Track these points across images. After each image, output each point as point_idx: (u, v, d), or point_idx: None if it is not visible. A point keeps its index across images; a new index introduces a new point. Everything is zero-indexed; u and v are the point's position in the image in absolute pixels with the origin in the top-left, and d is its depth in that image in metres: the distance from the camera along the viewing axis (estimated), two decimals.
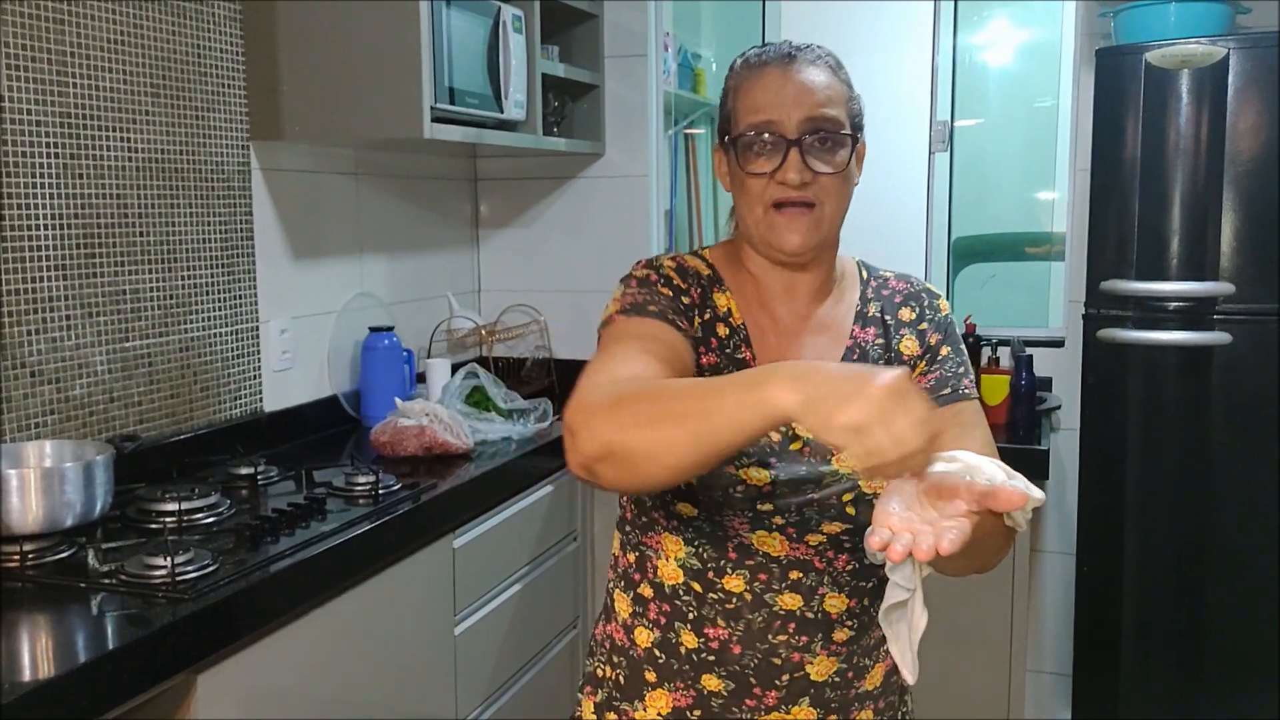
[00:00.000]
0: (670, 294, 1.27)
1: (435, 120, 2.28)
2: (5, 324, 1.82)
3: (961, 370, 1.31)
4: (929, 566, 1.09)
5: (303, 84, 2.29)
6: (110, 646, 1.36)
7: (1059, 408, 2.88)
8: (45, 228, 1.88)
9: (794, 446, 1.25)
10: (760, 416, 0.95)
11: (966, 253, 3.90)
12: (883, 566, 1.19)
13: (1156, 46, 2.30)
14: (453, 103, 2.35)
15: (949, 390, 1.29)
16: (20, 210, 1.84)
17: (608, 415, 1.04)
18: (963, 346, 1.35)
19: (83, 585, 1.55)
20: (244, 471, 2.08)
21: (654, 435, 1.01)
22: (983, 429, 1.29)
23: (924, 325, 1.33)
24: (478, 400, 2.63)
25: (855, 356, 1.31)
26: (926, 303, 1.35)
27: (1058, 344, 2.92)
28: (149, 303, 2.10)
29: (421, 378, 2.81)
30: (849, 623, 1.27)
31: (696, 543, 1.27)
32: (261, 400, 2.40)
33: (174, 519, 1.80)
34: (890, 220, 3.73)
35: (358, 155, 2.70)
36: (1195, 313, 2.33)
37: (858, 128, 1.29)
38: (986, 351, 2.89)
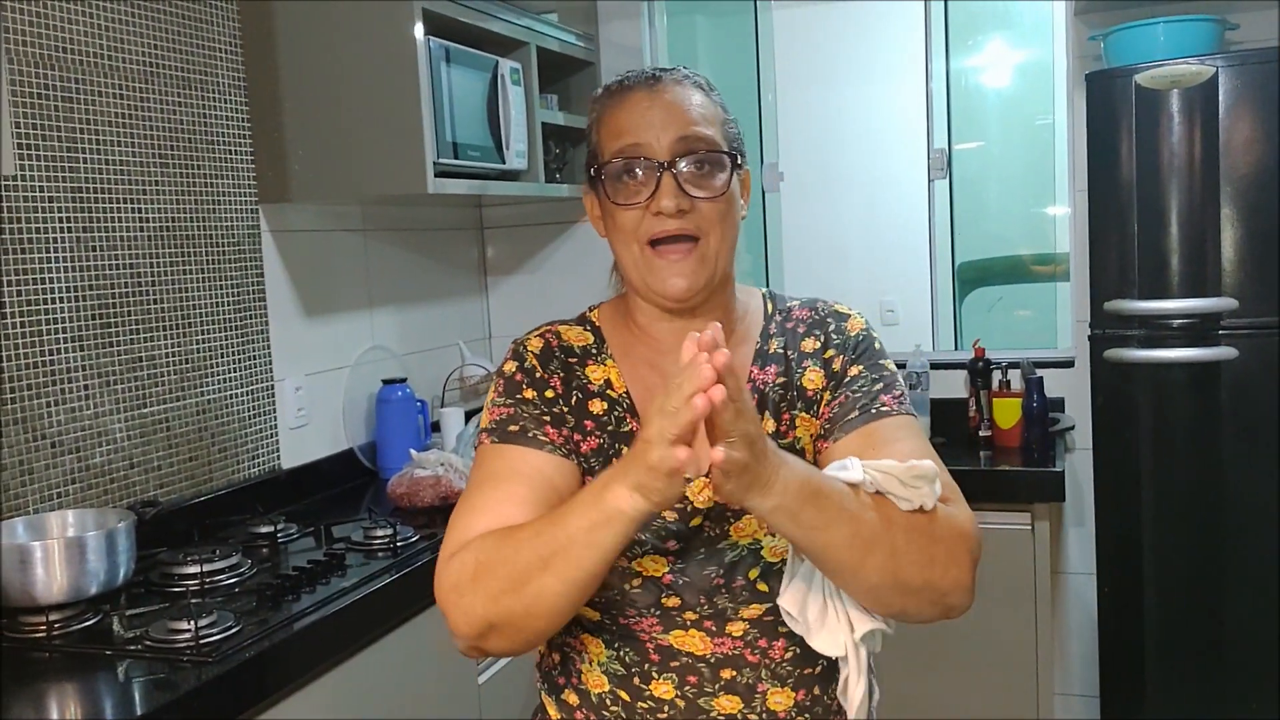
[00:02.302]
0: (534, 394, 1.18)
1: (439, 175, 2.33)
2: (25, 396, 1.85)
3: (879, 387, 1.17)
4: (870, 622, 1.04)
5: (308, 146, 2.34)
6: (138, 712, 1.38)
7: (1072, 428, 2.88)
8: (61, 300, 1.92)
9: (694, 522, 1.13)
10: (613, 528, 0.95)
11: (972, 277, 3.91)
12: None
13: (1146, 67, 2.33)
14: (456, 157, 2.39)
15: (857, 412, 1.15)
16: (36, 284, 1.88)
17: (473, 590, 1.02)
18: (884, 362, 1.21)
19: (109, 652, 1.57)
20: (264, 530, 2.11)
21: (524, 593, 0.99)
22: (911, 443, 1.13)
23: (830, 352, 1.21)
24: None
25: (755, 399, 1.18)
26: (832, 327, 1.23)
27: (1068, 364, 2.93)
28: (165, 368, 2.13)
29: (436, 427, 2.84)
30: (800, 719, 1.14)
31: (616, 645, 1.15)
32: (279, 458, 2.42)
33: (196, 582, 1.83)
34: (894, 248, 3.76)
35: (364, 211, 2.74)
36: (1200, 330, 2.34)
37: (738, 153, 1.18)
38: (997, 375, 2.89)
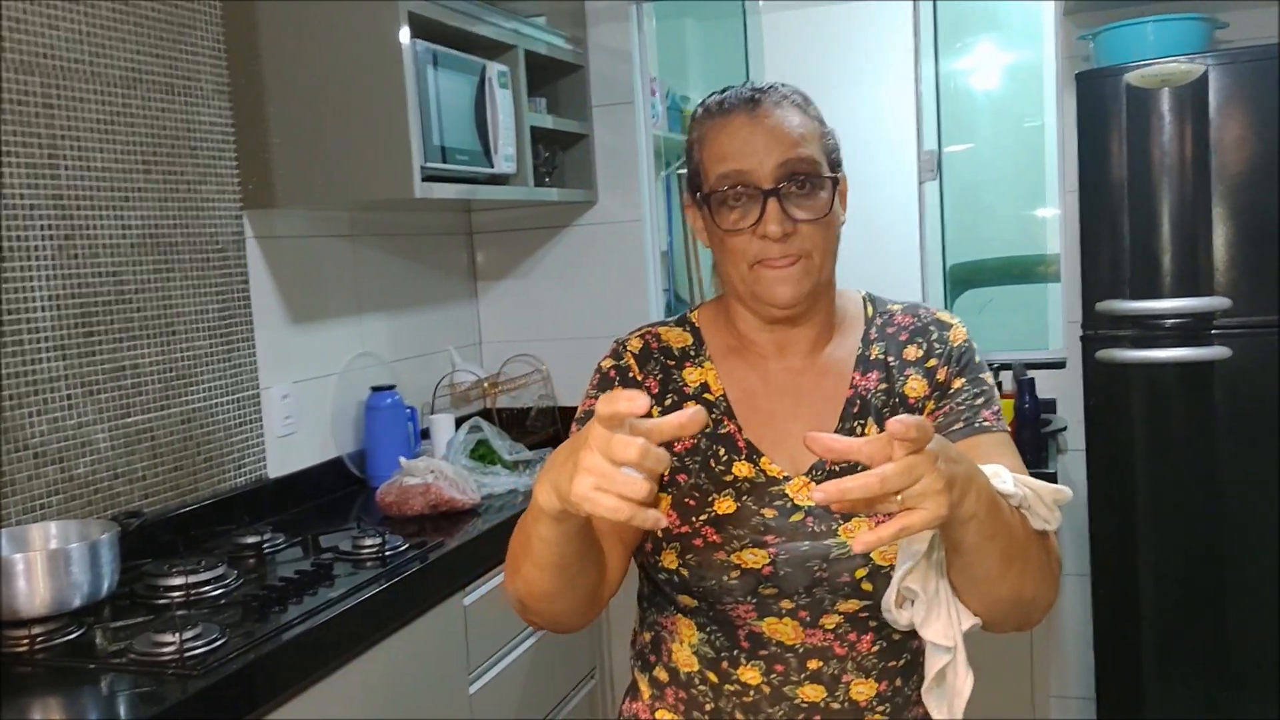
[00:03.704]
0: None
1: (426, 179, 2.31)
2: (6, 407, 1.83)
3: (980, 401, 1.19)
4: (971, 618, 1.06)
5: (293, 151, 2.32)
6: None
7: (1065, 429, 2.87)
8: (43, 309, 1.90)
9: (795, 519, 1.16)
10: (545, 520, 0.97)
11: (963, 279, 3.91)
12: (914, 636, 1.13)
13: (1136, 67, 2.32)
14: (444, 161, 2.38)
15: (961, 425, 1.18)
16: (17, 293, 1.86)
17: (509, 567, 1.11)
18: (984, 375, 1.23)
19: (92, 666, 1.55)
20: (250, 541, 2.08)
21: (522, 576, 1.08)
22: (1011, 460, 1.16)
23: (932, 361, 1.22)
24: (483, 454, 2.63)
25: (856, 408, 1.21)
26: (935, 336, 1.24)
27: (1059, 365, 2.92)
28: (149, 377, 2.11)
29: (426, 434, 2.81)
30: (880, 708, 1.17)
31: (709, 629, 1.19)
32: (265, 467, 2.40)
33: (181, 593, 1.80)
34: (885, 251, 3.74)
35: (352, 217, 2.72)
36: (1193, 329, 2.33)
37: (836, 165, 1.21)
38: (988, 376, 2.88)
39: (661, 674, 1.24)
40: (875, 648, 1.17)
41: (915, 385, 1.22)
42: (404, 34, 2.23)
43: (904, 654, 1.18)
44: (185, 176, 2.22)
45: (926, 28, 3.75)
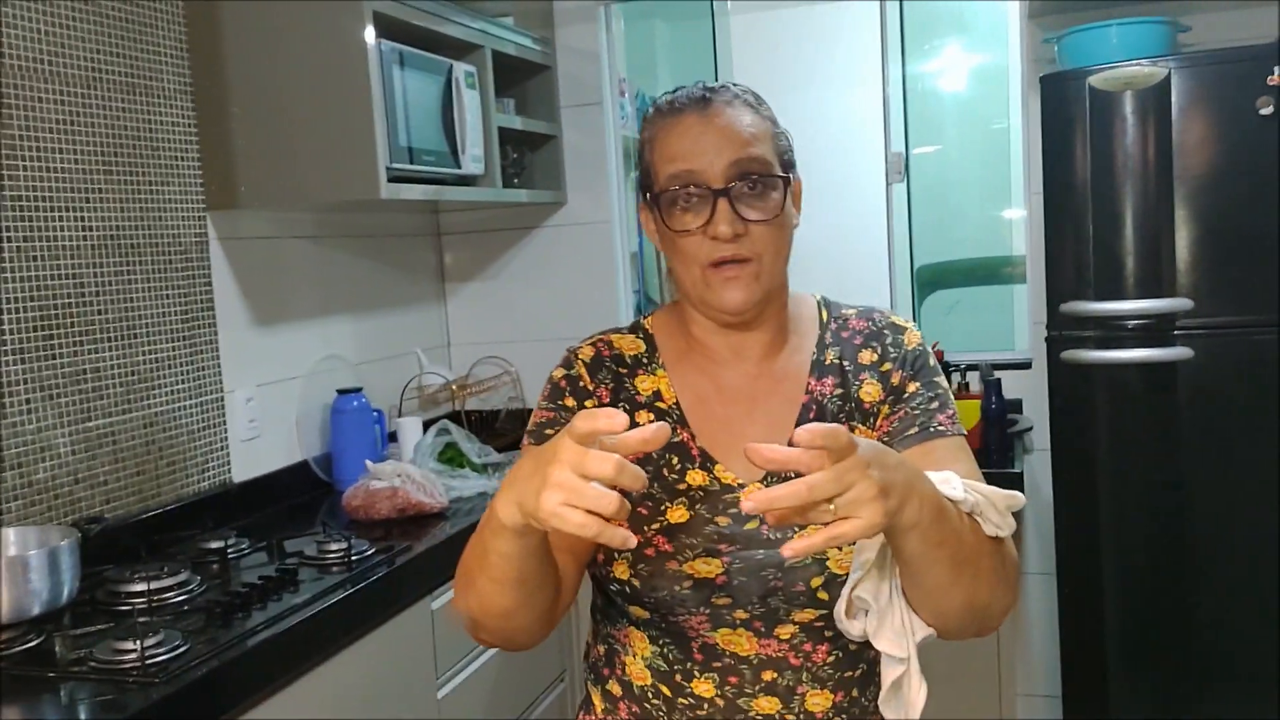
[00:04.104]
0: (574, 402, 1.20)
1: (392, 180, 2.29)
2: None
3: (935, 406, 1.19)
4: (925, 629, 1.05)
5: (257, 152, 2.30)
6: None
7: (1031, 429, 2.89)
8: (1, 311, 1.87)
9: (749, 526, 1.14)
10: (505, 535, 0.95)
11: (930, 280, 3.93)
12: (867, 645, 1.10)
13: (1100, 70, 2.34)
14: (410, 162, 2.36)
15: (915, 430, 1.17)
16: None
17: (461, 583, 1.09)
18: (938, 379, 1.22)
19: (52, 675, 1.53)
20: (214, 546, 2.06)
21: (477, 592, 1.05)
22: (965, 465, 1.15)
23: (886, 365, 1.21)
24: (451, 457, 2.61)
25: (812, 414, 1.19)
26: (890, 339, 1.23)
27: (1025, 366, 2.94)
28: (110, 381, 2.08)
29: (393, 437, 2.80)
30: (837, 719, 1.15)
31: (661, 641, 1.17)
32: (230, 471, 2.37)
33: (143, 600, 1.78)
34: (853, 252, 3.76)
35: (317, 218, 2.70)
36: (1156, 330, 2.35)
37: (789, 165, 1.20)
38: (956, 377, 2.90)
39: (615, 687, 1.22)
40: (831, 658, 1.15)
41: (870, 390, 1.21)
42: (369, 34, 2.22)
43: (860, 664, 1.17)
44: (147, 177, 2.19)
45: (894, 30, 3.77)
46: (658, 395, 1.22)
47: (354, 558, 1.96)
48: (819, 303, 1.29)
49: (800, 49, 4.04)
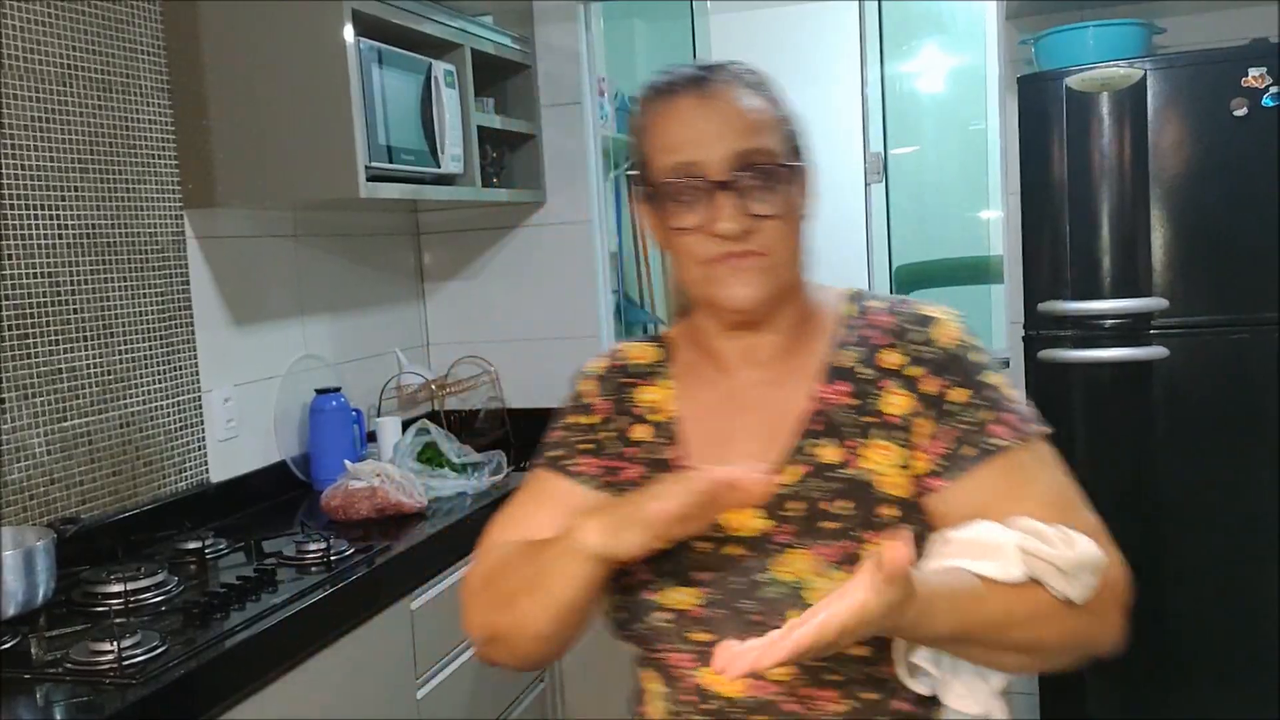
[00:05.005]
0: (577, 419, 1.18)
1: (371, 179, 2.28)
2: None
3: (989, 415, 1.02)
4: (1001, 675, 0.97)
5: (235, 150, 2.28)
6: None
7: None
8: None
9: (727, 550, 1.03)
10: (575, 561, 0.94)
11: (909, 280, 3.95)
12: (897, 697, 1.00)
13: (1076, 71, 2.36)
14: (389, 160, 2.35)
15: (973, 451, 1.00)
16: None
17: (479, 597, 1.06)
18: (987, 376, 1.04)
19: (27, 676, 1.51)
20: (191, 546, 2.05)
21: (514, 612, 1.02)
22: (1040, 484, 1.01)
23: (915, 370, 1.04)
24: (430, 456, 2.60)
25: (819, 426, 1.05)
26: (917, 336, 1.06)
27: (1003, 365, 2.96)
28: (86, 380, 2.06)
29: (372, 437, 2.78)
30: None
31: (660, 679, 1.09)
32: (207, 471, 2.36)
33: (120, 601, 1.77)
34: (832, 252, 3.77)
35: (296, 216, 2.68)
36: (1132, 329, 2.37)
37: (799, 152, 1.08)
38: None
39: None
40: (842, 706, 1.00)
41: (896, 400, 1.04)
42: (348, 32, 2.20)
43: (880, 716, 1.01)
44: (124, 175, 2.17)
45: (872, 31, 3.79)
46: (654, 408, 1.14)
47: (333, 558, 1.96)
48: (849, 296, 1.15)
49: (779, 49, 4.05)
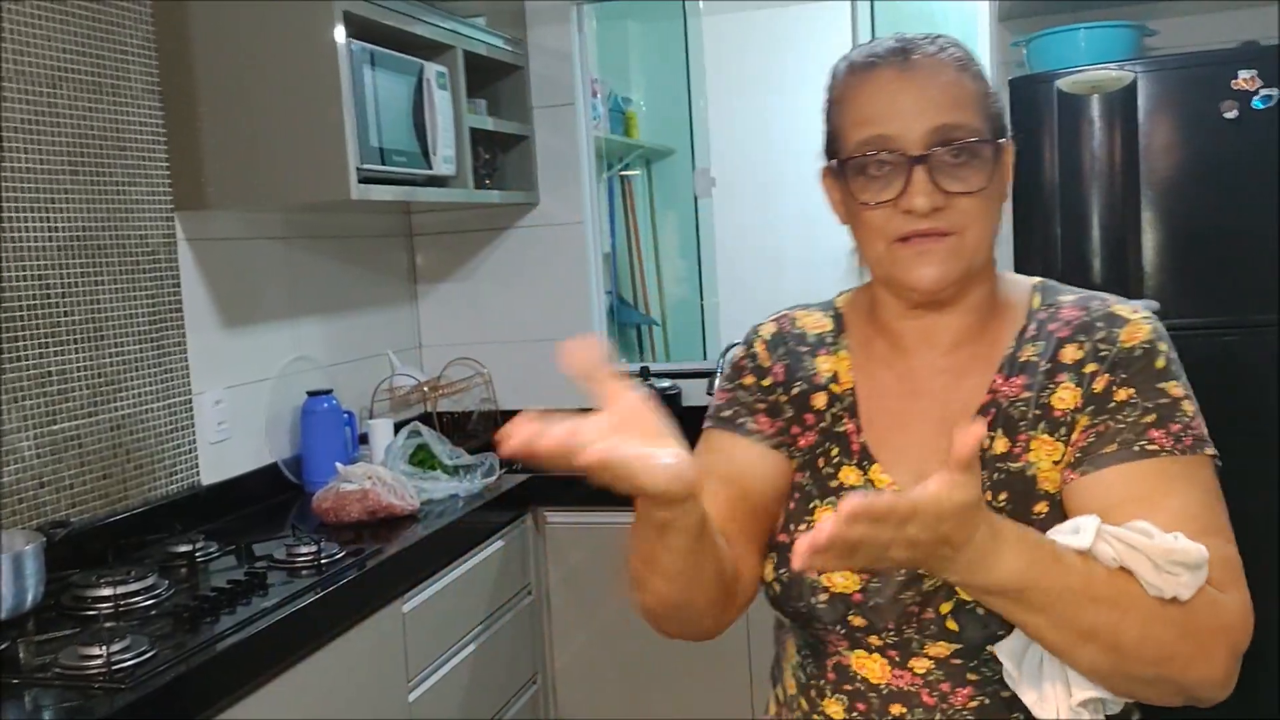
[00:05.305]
0: (753, 380, 1.16)
1: (363, 180, 2.28)
2: None
3: (1150, 418, 0.98)
4: (1087, 689, 0.91)
5: (226, 152, 2.28)
6: None
7: None
8: None
9: None
10: (652, 515, 0.91)
11: None
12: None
13: (1068, 73, 2.36)
14: (382, 162, 2.35)
15: (1114, 447, 0.97)
16: None
17: (633, 583, 1.03)
18: (1165, 384, 0.99)
19: (15, 681, 1.51)
20: (182, 549, 2.04)
21: (645, 587, 1.01)
22: (1181, 499, 0.95)
23: (1091, 366, 1.01)
24: (422, 459, 2.60)
25: (990, 417, 1.03)
26: (1101, 335, 1.02)
27: None
28: (76, 383, 2.06)
29: (365, 439, 2.78)
30: None
31: (804, 652, 1.10)
32: (198, 474, 2.35)
33: (110, 605, 1.76)
34: (824, 252, 3.77)
35: (288, 219, 2.68)
36: None
37: (1001, 131, 1.05)
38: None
39: (780, 692, 1.15)
40: (974, 703, 1.00)
41: (1065, 395, 1.02)
42: (339, 33, 2.20)
43: (1015, 713, 0.99)
44: (114, 177, 2.17)
45: (865, 31, 3.79)
46: (835, 378, 1.12)
47: (324, 561, 1.95)
48: (1035, 288, 1.12)
49: (773, 49, 4.05)
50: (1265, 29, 2.52)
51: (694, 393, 3.13)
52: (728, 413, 1.16)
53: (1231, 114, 2.24)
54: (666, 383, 3.13)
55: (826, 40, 3.88)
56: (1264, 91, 2.23)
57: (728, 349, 3.13)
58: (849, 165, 1.04)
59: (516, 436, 0.80)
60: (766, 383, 1.15)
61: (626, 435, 0.84)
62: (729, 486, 1.09)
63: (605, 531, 2.68)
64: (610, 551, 2.72)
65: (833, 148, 1.08)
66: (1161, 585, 0.87)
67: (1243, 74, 2.23)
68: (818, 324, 1.17)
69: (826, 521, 0.77)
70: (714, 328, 4.17)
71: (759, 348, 1.18)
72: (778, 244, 4.10)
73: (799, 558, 0.79)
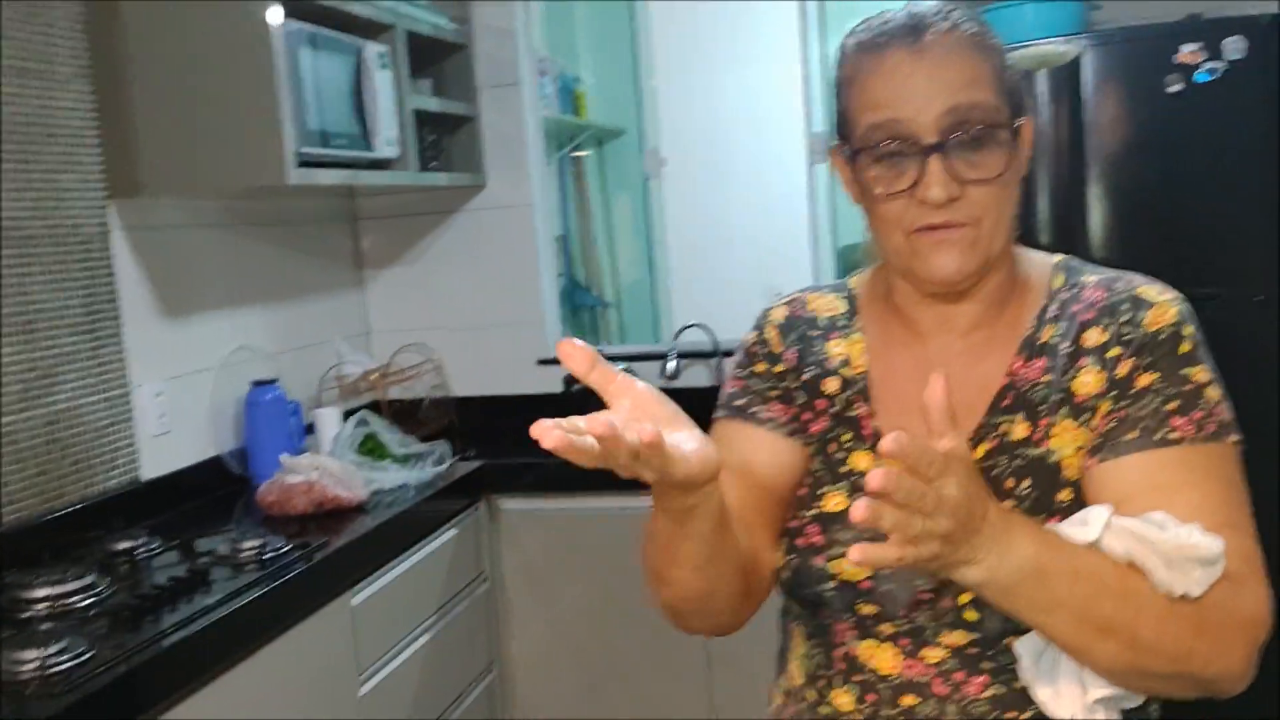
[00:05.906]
0: (765, 367, 1.14)
1: (303, 164, 2.22)
2: None
3: (1173, 406, 0.95)
4: (1101, 687, 0.91)
5: (160, 138, 2.21)
6: None
7: None
8: None
9: None
10: (674, 502, 0.88)
11: (854, 260, 3.95)
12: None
13: (1015, 48, 2.35)
14: (323, 145, 2.29)
15: (1136, 434, 0.95)
16: None
17: (652, 583, 1.01)
18: (1189, 370, 0.97)
19: None
20: (122, 547, 1.99)
21: (667, 581, 0.99)
22: (1201, 490, 0.93)
23: (1115, 350, 0.99)
24: (371, 448, 2.56)
25: (1007, 401, 1.02)
26: (1127, 317, 1.00)
27: None
28: (8, 378, 1.99)
29: (311, 429, 2.73)
30: None
31: (812, 641, 1.08)
32: (139, 469, 2.29)
33: (46, 605, 1.71)
34: (776, 232, 3.76)
35: (227, 205, 2.61)
36: None
37: (1018, 110, 1.01)
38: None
39: (784, 682, 1.14)
40: (988, 692, 0.98)
41: (1088, 379, 0.99)
42: (275, 13, 2.14)
43: (1028, 708, 0.97)
44: (43, 165, 2.09)
45: (813, 8, 3.77)
46: (847, 362, 1.11)
47: (268, 555, 1.91)
48: (1057, 266, 1.09)
49: (720, 27, 4.02)
50: (1209, 3, 2.53)
51: (647, 374, 3.11)
52: (741, 401, 1.14)
53: (1176, 87, 2.25)
54: (620, 365, 3.10)
55: (774, 19, 3.87)
56: (1207, 65, 2.24)
57: (682, 329, 3.11)
58: (861, 153, 1.01)
59: (548, 437, 0.73)
60: (779, 369, 1.14)
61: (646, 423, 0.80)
62: (745, 476, 1.07)
63: (561, 518, 2.66)
64: (566, 538, 2.72)
65: (843, 129, 1.04)
66: (1172, 582, 0.86)
67: (1186, 48, 2.24)
68: (830, 307, 1.15)
69: (875, 474, 0.76)
70: (667, 310, 4.15)
71: (771, 333, 1.16)
72: (727, 221, 4.08)
73: (856, 551, 0.79)
